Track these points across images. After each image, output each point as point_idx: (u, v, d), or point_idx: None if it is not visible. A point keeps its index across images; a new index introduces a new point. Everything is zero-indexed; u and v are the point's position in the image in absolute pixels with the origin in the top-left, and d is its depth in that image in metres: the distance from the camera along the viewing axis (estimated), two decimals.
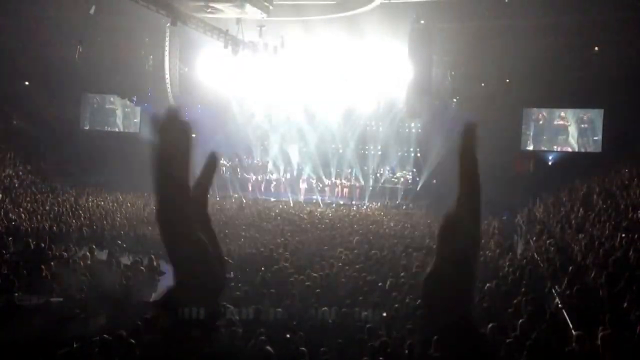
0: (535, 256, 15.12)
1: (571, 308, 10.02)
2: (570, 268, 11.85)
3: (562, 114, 29.35)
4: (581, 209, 17.46)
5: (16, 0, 27.14)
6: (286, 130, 34.75)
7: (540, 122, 29.84)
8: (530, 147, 30.14)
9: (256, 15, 19.39)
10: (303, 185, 31.99)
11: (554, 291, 11.52)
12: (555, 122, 29.56)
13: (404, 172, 32.43)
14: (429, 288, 1.23)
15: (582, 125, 28.95)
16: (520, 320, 8.50)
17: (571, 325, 9.49)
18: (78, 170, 32.18)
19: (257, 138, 35.53)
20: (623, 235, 13.15)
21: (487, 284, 11.13)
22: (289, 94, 33.98)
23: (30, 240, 15.33)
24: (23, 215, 20.28)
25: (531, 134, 30.02)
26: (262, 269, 13.34)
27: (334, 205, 28.22)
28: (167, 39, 28.73)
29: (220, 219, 21.26)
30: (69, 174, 31.35)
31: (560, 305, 10.56)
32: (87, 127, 36.73)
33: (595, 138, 28.51)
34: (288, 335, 8.46)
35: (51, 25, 29.09)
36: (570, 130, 29.22)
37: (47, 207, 22.11)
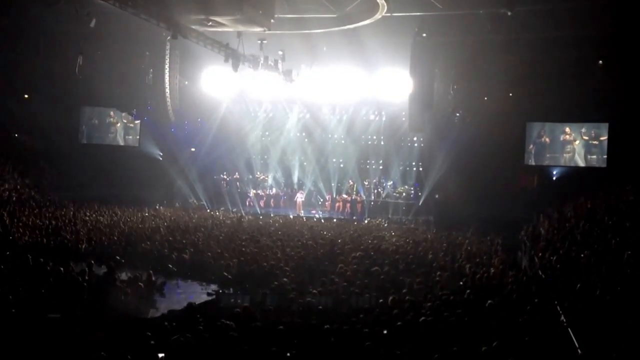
0: (540, 273, 14.91)
1: (577, 325, 9.86)
2: (577, 285, 11.62)
3: (567, 129, 29.11)
4: (586, 225, 17.23)
5: (16, 13, 27.05)
6: (287, 144, 34.63)
7: (544, 136, 29.60)
8: (534, 162, 29.90)
9: (257, 29, 19.27)
10: (301, 200, 31.73)
11: (559, 308, 11.35)
12: (560, 137, 29.32)
13: (406, 186, 32.20)
14: None
15: (589, 141, 28.70)
16: None
17: (577, 344, 9.32)
18: (77, 185, 32.10)
19: (257, 152, 35.43)
20: (629, 252, 12.94)
21: (489, 301, 10.98)
22: (290, 108, 33.95)
23: (28, 255, 15.11)
24: (21, 229, 20.09)
25: (535, 148, 29.77)
26: (262, 285, 13.14)
27: (335, 220, 28.00)
28: (168, 52, 28.65)
29: (219, 234, 21.04)
30: (67, 188, 31.25)
31: (565, 323, 10.39)
32: (85, 142, 36.50)
33: (604, 156, 28.22)
34: (288, 354, 8.29)
35: (51, 39, 29.04)
36: (575, 145, 28.99)
37: (46, 222, 21.90)
